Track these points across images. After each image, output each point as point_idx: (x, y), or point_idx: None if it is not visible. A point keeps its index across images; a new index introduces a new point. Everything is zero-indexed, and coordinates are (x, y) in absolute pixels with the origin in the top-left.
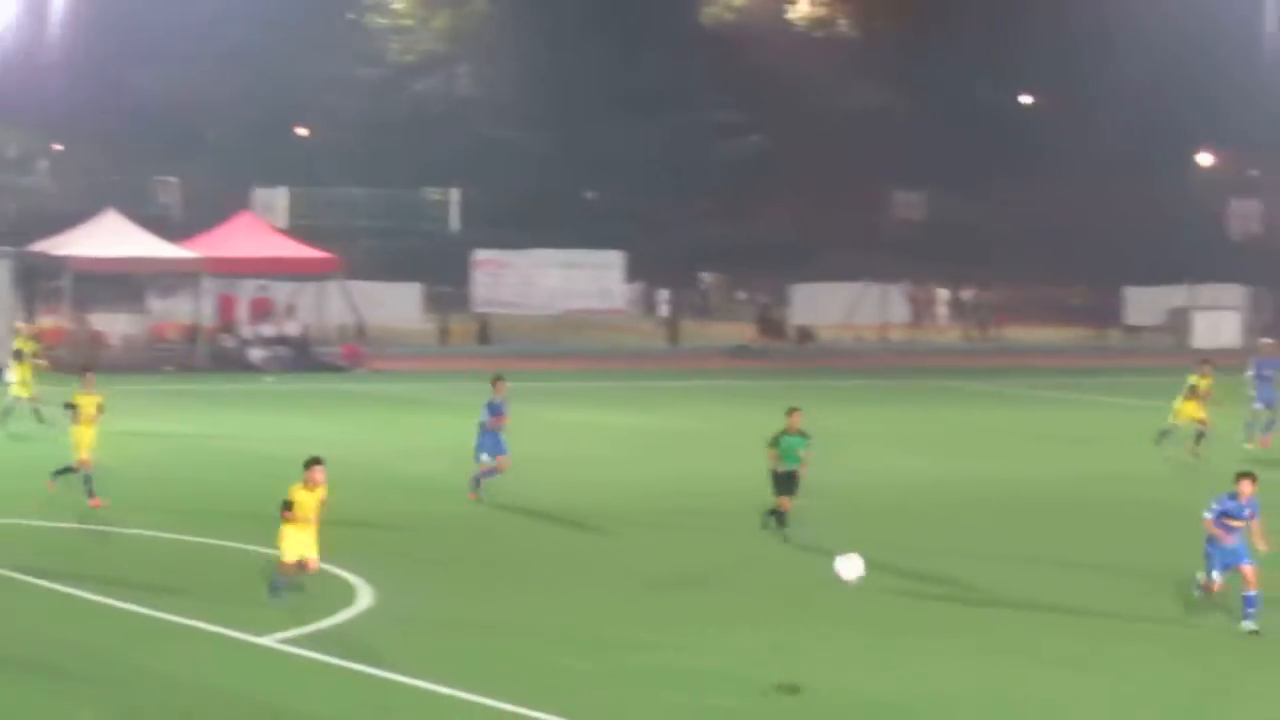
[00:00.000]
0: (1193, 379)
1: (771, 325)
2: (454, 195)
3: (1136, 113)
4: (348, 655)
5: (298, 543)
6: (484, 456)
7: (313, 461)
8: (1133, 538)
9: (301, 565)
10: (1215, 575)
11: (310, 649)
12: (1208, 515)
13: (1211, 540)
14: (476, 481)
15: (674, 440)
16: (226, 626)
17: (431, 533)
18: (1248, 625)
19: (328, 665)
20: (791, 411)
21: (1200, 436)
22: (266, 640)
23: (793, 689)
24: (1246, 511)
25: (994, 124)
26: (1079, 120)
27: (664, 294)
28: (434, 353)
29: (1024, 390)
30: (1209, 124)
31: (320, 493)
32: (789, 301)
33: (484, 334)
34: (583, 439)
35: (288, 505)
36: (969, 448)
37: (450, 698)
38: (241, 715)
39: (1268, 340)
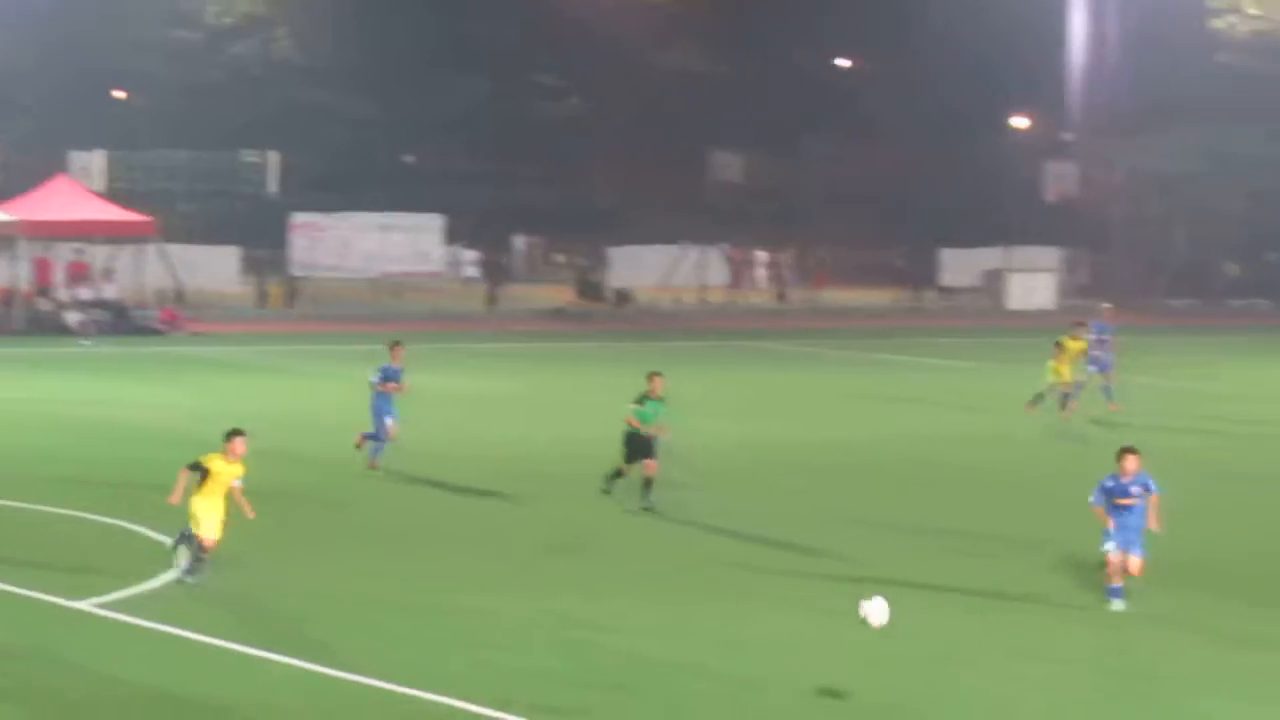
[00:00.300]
0: (1063, 340)
1: (590, 288)
2: (272, 158)
3: (953, 75)
4: (164, 619)
5: (210, 516)
6: (388, 420)
7: (234, 433)
8: (945, 498)
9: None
10: (1111, 549)
11: (127, 613)
12: (1092, 501)
13: (1111, 517)
14: (377, 444)
15: (494, 403)
16: (43, 591)
17: (251, 497)
18: (1116, 604)
19: (144, 629)
20: (653, 376)
21: (1040, 398)
22: (83, 604)
23: (604, 648)
24: (1135, 489)
25: (812, 86)
26: (896, 82)
27: (469, 255)
28: (251, 316)
29: (840, 351)
30: (1024, 87)
31: (239, 467)
32: (607, 264)
33: (290, 297)
34: (402, 401)
35: (198, 467)
36: (786, 409)
37: (265, 660)
38: (56, 678)
39: (1107, 305)
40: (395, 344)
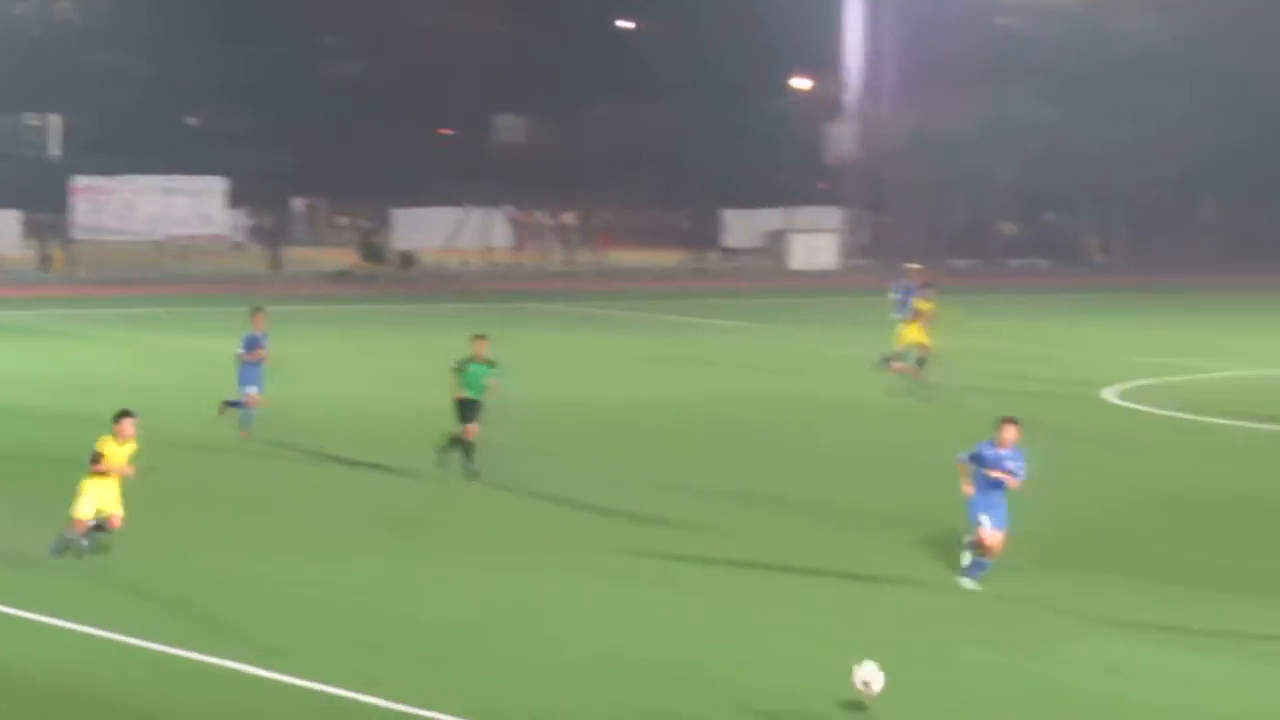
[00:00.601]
0: (916, 302)
1: (373, 250)
2: (53, 121)
3: (734, 38)
4: None
5: (98, 497)
6: (250, 389)
7: (122, 414)
8: (745, 460)
9: (102, 523)
10: (983, 519)
11: None
12: (960, 459)
13: (977, 490)
14: (241, 410)
15: (286, 367)
16: None
17: (36, 461)
18: (968, 583)
19: None
20: (477, 339)
21: (922, 361)
22: None
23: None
24: (1009, 464)
25: (595, 48)
26: (679, 45)
27: (243, 222)
28: (34, 280)
29: (628, 313)
30: (804, 49)
31: (130, 446)
32: (391, 226)
33: (70, 261)
34: (185, 364)
35: (97, 457)
36: (577, 371)
37: (51, 627)
38: None
39: (914, 265)
40: (256, 310)
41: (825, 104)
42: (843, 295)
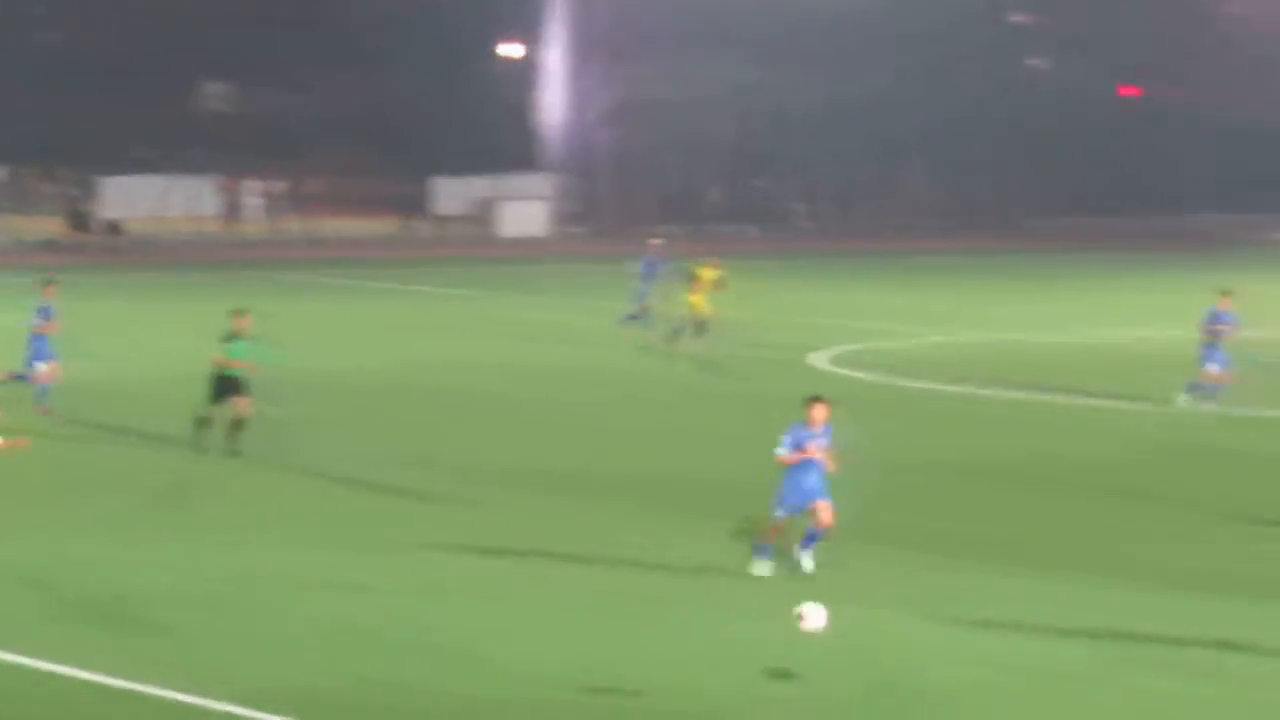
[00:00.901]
0: (698, 269)
1: (80, 219)
2: None
3: (444, 4)
4: None
5: None
6: (38, 364)
7: None
8: (468, 427)
9: None
10: (780, 514)
11: None
12: (780, 451)
13: (787, 476)
14: (41, 390)
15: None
16: None
17: None
18: (806, 563)
19: None
20: (238, 314)
21: (701, 328)
22: None
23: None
24: (823, 440)
25: (305, 13)
26: (391, 11)
27: None
28: None
29: (340, 281)
30: (512, 13)
31: None
32: (98, 195)
33: None
34: None
35: None
36: (295, 341)
37: None
38: None
39: (656, 240)
40: (48, 282)
41: (535, 70)
42: (554, 263)
